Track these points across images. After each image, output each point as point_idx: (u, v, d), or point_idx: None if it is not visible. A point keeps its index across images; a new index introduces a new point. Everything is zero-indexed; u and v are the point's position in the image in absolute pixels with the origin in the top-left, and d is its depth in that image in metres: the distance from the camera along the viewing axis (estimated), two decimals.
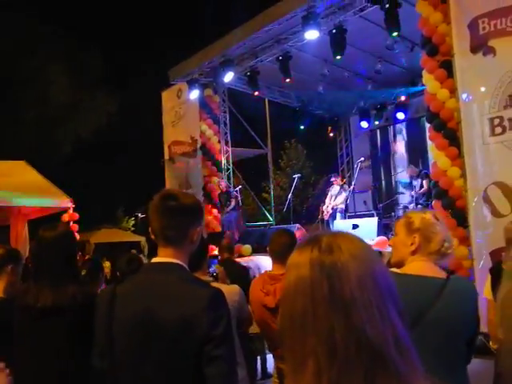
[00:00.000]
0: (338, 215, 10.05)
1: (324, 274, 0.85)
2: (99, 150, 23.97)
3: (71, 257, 2.40)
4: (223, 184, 10.80)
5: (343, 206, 10.22)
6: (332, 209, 10.19)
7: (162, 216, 1.70)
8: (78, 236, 10.21)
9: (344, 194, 10.25)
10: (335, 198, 10.33)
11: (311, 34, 7.99)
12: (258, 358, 5.32)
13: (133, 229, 28.58)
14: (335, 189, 10.46)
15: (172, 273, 1.65)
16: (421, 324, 1.57)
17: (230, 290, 2.70)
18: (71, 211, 10.45)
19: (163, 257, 1.69)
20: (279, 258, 2.89)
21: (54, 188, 10.45)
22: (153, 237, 1.74)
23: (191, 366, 1.51)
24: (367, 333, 0.80)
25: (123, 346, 1.61)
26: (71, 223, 10.33)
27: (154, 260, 1.72)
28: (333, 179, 10.66)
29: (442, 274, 1.78)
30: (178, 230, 1.69)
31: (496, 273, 3.12)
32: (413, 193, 9.45)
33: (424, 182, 9.16)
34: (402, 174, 11.29)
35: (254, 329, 3.06)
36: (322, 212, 10.57)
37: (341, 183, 10.57)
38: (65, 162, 21.30)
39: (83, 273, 3.39)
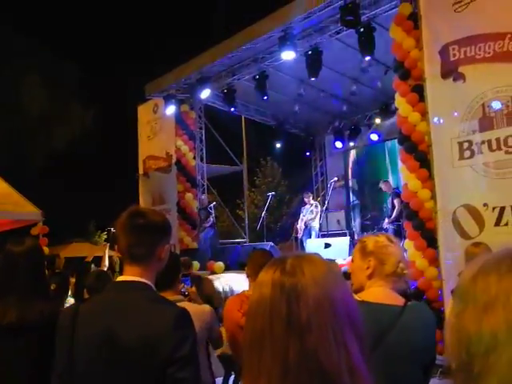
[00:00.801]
0: (313, 233, 10.12)
1: (284, 295, 0.86)
2: (72, 163, 23.66)
3: (39, 272, 2.34)
4: (204, 199, 10.82)
5: (317, 225, 10.31)
6: (305, 225, 10.27)
7: (129, 234, 1.68)
8: (47, 250, 10.02)
9: (315, 212, 10.34)
10: (305, 215, 10.46)
11: (287, 55, 8.11)
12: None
13: (104, 243, 28.18)
14: (306, 207, 10.59)
15: (137, 292, 1.62)
16: (376, 352, 1.55)
17: (201, 310, 2.68)
18: (41, 224, 10.24)
19: (129, 275, 1.67)
20: (256, 277, 2.87)
21: (23, 200, 10.24)
22: (119, 255, 1.72)
23: None
24: (320, 358, 0.81)
25: (84, 368, 1.56)
26: (41, 236, 10.12)
27: (120, 278, 1.70)
28: (305, 198, 10.78)
29: (399, 301, 1.76)
30: (144, 248, 1.67)
31: None
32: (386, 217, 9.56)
33: (395, 201, 9.21)
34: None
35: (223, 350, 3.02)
36: (296, 230, 10.63)
37: (311, 202, 10.69)
38: (36, 175, 20.94)
39: (52, 287, 3.31)
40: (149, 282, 1.67)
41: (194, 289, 3.04)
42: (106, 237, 30.37)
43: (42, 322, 2.12)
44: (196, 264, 8.79)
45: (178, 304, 2.40)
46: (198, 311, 2.58)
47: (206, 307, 2.83)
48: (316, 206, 10.59)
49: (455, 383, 0.72)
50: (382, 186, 9.97)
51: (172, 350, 1.46)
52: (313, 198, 11.21)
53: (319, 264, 0.90)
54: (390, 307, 1.72)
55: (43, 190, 17.99)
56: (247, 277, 3.02)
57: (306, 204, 10.80)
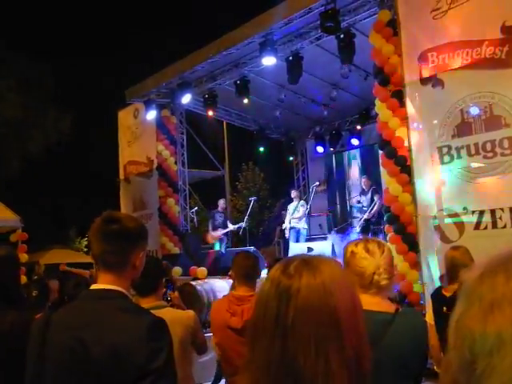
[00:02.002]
0: (302, 237, 10.22)
1: (277, 293, 0.89)
2: (51, 168, 23.34)
3: (12, 281, 2.29)
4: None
5: (306, 226, 10.40)
6: (291, 227, 10.32)
7: (102, 240, 1.63)
8: (27, 257, 9.86)
9: (301, 211, 10.43)
10: (291, 213, 10.55)
11: (268, 60, 8.13)
12: None
13: (85, 249, 27.82)
14: (293, 204, 10.72)
15: (110, 301, 1.57)
16: None
17: (185, 316, 2.66)
18: (20, 231, 10.09)
19: (102, 283, 1.62)
20: (244, 279, 2.90)
21: (2, 207, 10.08)
22: (93, 261, 1.69)
23: None
24: (297, 363, 0.83)
25: (53, 380, 1.51)
26: (20, 243, 9.96)
27: (93, 286, 1.64)
28: (292, 195, 10.95)
29: (390, 308, 1.76)
30: (118, 255, 1.62)
31: (437, 298, 3.21)
32: (362, 211, 9.75)
33: (375, 197, 9.49)
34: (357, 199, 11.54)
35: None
36: (279, 234, 10.68)
37: (298, 199, 10.82)
38: (13, 180, 20.58)
39: (34, 294, 3.26)
40: (123, 290, 1.61)
41: (176, 294, 3.02)
42: (86, 243, 30.06)
43: (12, 333, 2.07)
44: (178, 270, 8.74)
45: (161, 310, 2.39)
46: (182, 317, 2.56)
47: (190, 312, 2.82)
48: (303, 205, 10.66)
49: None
50: (363, 181, 10.23)
51: (145, 362, 1.40)
52: (300, 197, 11.29)
53: (320, 272, 0.90)
54: (380, 314, 1.72)
55: (22, 197, 17.73)
56: (232, 279, 3.04)
57: (292, 201, 10.89)
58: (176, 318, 2.52)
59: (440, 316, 2.29)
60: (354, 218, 10.78)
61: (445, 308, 2.34)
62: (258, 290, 0.96)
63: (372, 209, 9.53)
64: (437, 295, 3.17)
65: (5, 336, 2.07)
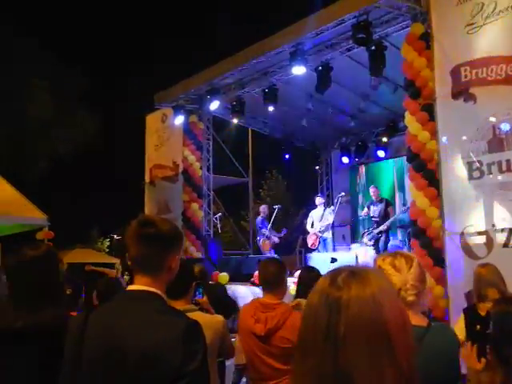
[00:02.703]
0: (329, 242, 10.18)
1: (327, 306, 0.89)
2: (77, 168, 23.73)
3: (53, 277, 2.32)
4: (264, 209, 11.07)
5: (330, 235, 10.37)
6: (319, 235, 10.25)
7: (139, 243, 1.66)
8: None
9: (329, 219, 10.34)
10: (321, 219, 10.44)
11: (298, 70, 8.16)
12: None
13: (107, 250, 28.17)
14: (317, 211, 10.61)
15: (146, 302, 1.60)
16: None
17: (214, 320, 2.69)
18: (47, 229, 10.26)
19: (139, 285, 1.65)
20: (270, 286, 2.90)
21: (30, 205, 10.27)
22: (130, 263, 1.71)
23: None
24: (352, 374, 0.83)
25: (90, 379, 1.54)
26: (46, 241, 10.12)
27: (130, 288, 1.68)
28: (316, 201, 10.87)
29: (423, 322, 1.75)
30: (154, 258, 1.66)
31: (471, 315, 3.17)
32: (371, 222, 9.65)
33: (389, 209, 9.53)
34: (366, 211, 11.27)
35: (244, 359, 3.02)
36: (301, 243, 10.63)
37: (323, 206, 10.72)
38: (40, 179, 20.98)
39: (68, 292, 3.32)
40: (159, 292, 1.64)
41: (205, 298, 3.04)
42: (108, 243, 30.44)
43: (54, 327, 2.11)
44: (225, 276, 8.75)
45: (191, 314, 2.42)
46: (211, 321, 2.59)
47: (219, 317, 2.84)
48: (331, 213, 10.56)
49: None
50: (372, 191, 10.08)
51: (180, 364, 1.42)
52: (325, 204, 11.20)
53: (369, 283, 0.90)
54: (413, 328, 1.71)
55: (47, 196, 18.06)
56: (254, 285, 3.05)
57: (315, 207, 10.81)
58: (205, 322, 2.53)
59: (472, 333, 2.27)
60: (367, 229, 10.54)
61: (478, 326, 2.31)
62: (306, 302, 0.96)
63: (382, 221, 9.50)
64: (471, 312, 3.14)
65: (46, 330, 2.10)
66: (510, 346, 1.85)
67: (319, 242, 10.39)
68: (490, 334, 2.11)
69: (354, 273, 0.93)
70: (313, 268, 3.91)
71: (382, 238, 9.47)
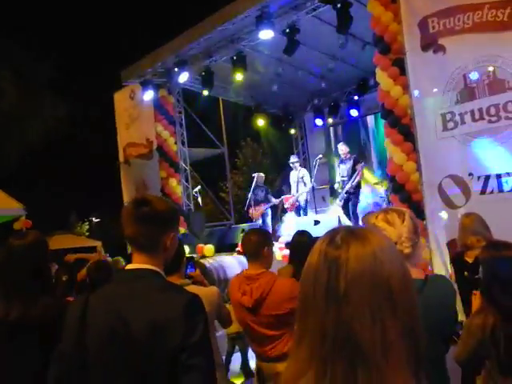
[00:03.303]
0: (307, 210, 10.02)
1: (326, 264, 0.90)
2: (50, 155, 23.24)
3: (43, 266, 2.29)
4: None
5: (305, 197, 10.15)
6: (297, 201, 10.12)
7: (134, 223, 1.67)
8: None
9: (307, 182, 10.06)
10: (302, 183, 10.16)
11: (265, 34, 8.04)
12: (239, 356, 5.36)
13: (87, 234, 27.94)
14: (295, 174, 10.33)
15: (146, 280, 1.63)
16: None
17: (209, 292, 2.70)
18: (24, 218, 10.11)
19: (137, 263, 1.66)
20: (252, 256, 2.92)
21: (4, 195, 10.08)
22: (127, 242, 1.72)
23: (166, 376, 1.47)
24: (354, 331, 0.85)
25: (96, 358, 1.56)
26: (24, 230, 9.98)
27: (128, 267, 1.69)
28: (293, 159, 10.51)
29: (420, 275, 1.79)
30: (150, 238, 1.67)
31: (458, 263, 3.26)
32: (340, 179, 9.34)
33: (357, 166, 9.03)
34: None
35: (235, 328, 3.07)
36: (282, 205, 10.57)
37: (298, 168, 10.39)
38: (13, 169, 20.51)
39: (64, 278, 3.29)
40: (157, 269, 1.66)
41: (198, 271, 3.05)
42: (87, 227, 30.16)
43: (46, 318, 2.10)
44: (211, 248, 8.71)
45: (185, 288, 2.43)
46: (206, 293, 2.60)
47: (213, 288, 2.87)
48: (306, 175, 10.24)
49: None
50: (342, 148, 9.56)
51: (183, 337, 1.46)
52: (300, 164, 10.85)
53: (369, 241, 0.91)
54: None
55: (20, 184, 17.70)
56: (244, 256, 3.06)
57: (291, 169, 10.50)
58: (200, 294, 2.55)
59: (462, 280, 2.33)
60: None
61: (466, 273, 2.38)
62: (304, 266, 0.96)
63: (354, 180, 9.05)
64: (458, 260, 3.22)
65: (38, 322, 2.09)
66: (501, 289, 1.91)
67: (297, 206, 10.30)
68: (479, 279, 2.17)
69: (353, 232, 0.94)
70: (303, 232, 3.93)
71: (352, 198, 9.14)
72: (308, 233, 3.91)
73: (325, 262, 0.90)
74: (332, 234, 0.95)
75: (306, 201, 10.26)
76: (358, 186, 9.19)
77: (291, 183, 10.54)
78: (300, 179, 10.21)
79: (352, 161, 9.25)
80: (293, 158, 10.70)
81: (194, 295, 1.60)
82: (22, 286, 2.16)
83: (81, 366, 1.57)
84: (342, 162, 9.63)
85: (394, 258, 0.93)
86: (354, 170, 9.09)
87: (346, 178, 9.23)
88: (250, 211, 10.27)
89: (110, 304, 1.59)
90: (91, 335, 1.57)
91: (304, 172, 10.49)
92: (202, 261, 7.24)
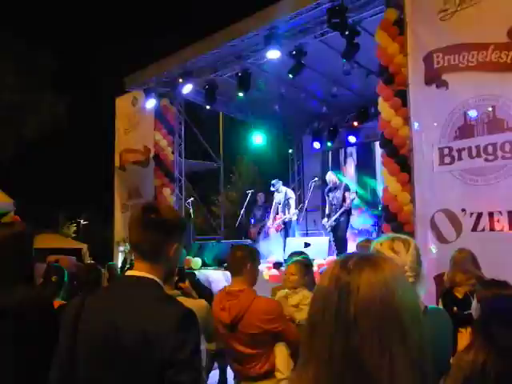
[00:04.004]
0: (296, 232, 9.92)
1: (336, 289, 0.90)
2: (44, 152, 23.13)
3: (26, 257, 2.27)
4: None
5: (295, 218, 10.00)
6: (283, 223, 10.01)
7: (138, 229, 1.66)
8: None
9: (292, 204, 9.93)
10: (283, 207, 10.01)
11: (272, 54, 8.13)
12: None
13: (74, 235, 27.69)
14: (288, 193, 10.17)
15: (144, 288, 1.60)
16: None
17: (198, 305, 2.68)
18: (12, 214, 10.03)
19: (138, 270, 1.64)
20: (236, 272, 2.92)
21: None
22: (130, 249, 1.71)
23: None
24: (362, 357, 0.84)
25: (84, 362, 1.54)
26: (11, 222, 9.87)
27: (129, 273, 1.68)
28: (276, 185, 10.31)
29: (421, 305, 1.80)
30: (154, 246, 1.65)
31: (448, 298, 3.26)
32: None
33: (346, 194, 8.96)
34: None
35: (216, 345, 3.05)
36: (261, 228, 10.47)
37: (282, 189, 10.19)
38: (5, 163, 20.37)
39: (54, 279, 3.25)
40: (157, 279, 1.64)
41: (187, 283, 3.03)
42: (75, 229, 29.90)
43: (22, 308, 2.06)
44: (198, 261, 8.68)
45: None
46: (196, 306, 2.58)
47: (202, 301, 2.85)
48: (291, 198, 10.05)
49: None
50: (332, 177, 9.44)
51: (173, 352, 1.43)
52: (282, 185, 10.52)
53: (381, 269, 0.91)
54: None
55: (14, 180, 17.57)
56: (229, 272, 3.05)
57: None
58: (189, 307, 2.54)
59: (450, 316, 2.33)
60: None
61: (455, 308, 2.37)
62: (315, 288, 0.96)
63: (344, 207, 8.92)
64: (448, 295, 3.23)
65: (14, 311, 2.04)
66: (501, 326, 1.91)
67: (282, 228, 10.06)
68: (469, 315, 2.17)
69: (366, 258, 0.94)
70: (301, 253, 3.95)
71: (341, 226, 9.00)
72: (306, 254, 3.92)
73: (336, 286, 0.90)
74: (345, 258, 0.95)
75: (297, 221, 10.20)
76: (348, 213, 9.13)
77: (274, 204, 10.36)
78: (286, 201, 10.08)
79: (342, 189, 9.15)
80: (275, 182, 10.44)
81: (189, 309, 1.57)
82: (3, 274, 2.14)
83: (71, 370, 1.55)
84: (330, 190, 9.45)
85: (406, 287, 0.92)
86: (344, 197, 9.04)
87: (336, 205, 9.13)
88: (251, 231, 10.29)
89: (106, 310, 1.57)
90: (81, 341, 1.55)
91: (291, 194, 10.28)
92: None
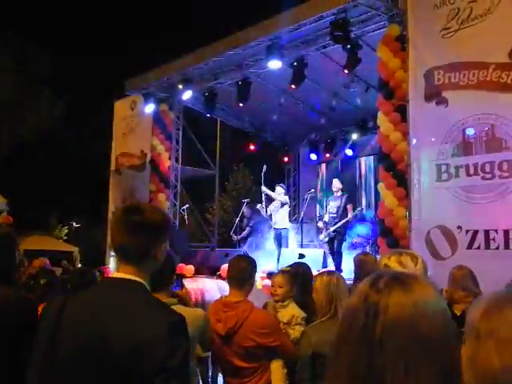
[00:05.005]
0: (292, 235, 9.76)
1: (364, 308, 0.88)
2: (40, 153, 23.02)
3: (7, 260, 2.24)
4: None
5: (287, 226, 9.75)
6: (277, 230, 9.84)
7: (123, 231, 1.58)
8: None
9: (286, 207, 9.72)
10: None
11: (274, 64, 8.15)
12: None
13: (65, 238, 27.49)
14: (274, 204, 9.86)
15: (130, 292, 1.53)
16: None
17: (194, 314, 2.64)
18: (5, 214, 9.97)
19: (123, 273, 1.56)
20: (236, 283, 2.87)
21: None
22: (113, 251, 1.65)
23: None
24: (386, 379, 0.82)
25: (65, 367, 1.46)
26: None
27: (114, 275, 1.60)
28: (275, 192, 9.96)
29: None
30: (140, 248, 1.57)
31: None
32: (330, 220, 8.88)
33: (348, 206, 8.74)
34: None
35: (199, 353, 3.00)
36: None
37: (281, 194, 9.84)
38: (0, 163, 20.25)
39: (42, 282, 3.21)
40: (144, 282, 1.57)
41: (184, 291, 2.99)
42: (66, 231, 29.70)
43: (6, 308, 2.04)
44: (190, 268, 8.57)
45: (172, 307, 2.37)
46: (192, 315, 2.54)
47: (200, 311, 2.80)
48: (286, 203, 9.79)
49: None
50: (337, 184, 9.11)
51: (162, 359, 1.37)
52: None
53: (412, 290, 0.89)
54: None
55: (8, 180, 17.47)
56: (228, 282, 3.02)
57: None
58: (186, 316, 2.49)
59: None
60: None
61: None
62: (346, 304, 0.95)
63: (344, 219, 8.65)
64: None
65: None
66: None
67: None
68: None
69: (397, 278, 0.92)
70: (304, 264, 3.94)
71: (338, 238, 8.75)
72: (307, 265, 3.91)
73: (364, 304, 0.89)
74: (376, 276, 0.93)
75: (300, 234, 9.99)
76: (345, 226, 8.94)
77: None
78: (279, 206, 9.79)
79: (343, 200, 8.88)
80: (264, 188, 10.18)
81: (181, 315, 1.51)
82: None
83: (50, 376, 1.47)
84: (332, 198, 9.22)
85: (437, 310, 0.89)
86: (344, 208, 8.82)
87: (335, 215, 8.86)
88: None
89: (91, 312, 1.48)
90: (65, 342, 1.47)
91: (285, 198, 9.90)
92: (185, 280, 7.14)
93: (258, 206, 10.22)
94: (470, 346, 0.82)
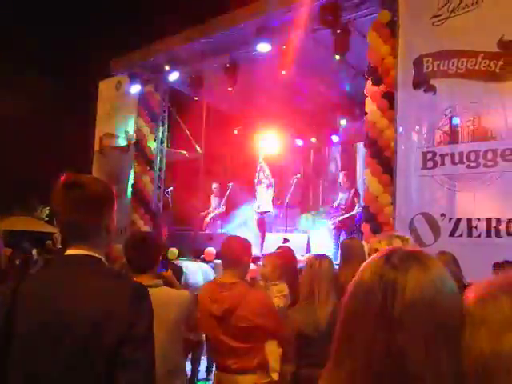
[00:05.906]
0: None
1: (381, 286, 0.85)
2: (21, 133, 22.64)
3: None
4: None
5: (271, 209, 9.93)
6: (261, 214, 9.92)
7: (69, 208, 1.49)
8: None
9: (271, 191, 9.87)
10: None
11: (263, 47, 8.07)
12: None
13: (47, 219, 27.20)
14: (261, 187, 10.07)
15: (87, 266, 1.48)
16: None
17: (181, 295, 2.62)
18: None
19: (77, 249, 1.50)
20: (231, 264, 2.85)
21: None
22: (60, 229, 1.55)
23: (104, 373, 1.33)
24: (406, 359, 0.80)
25: (23, 343, 1.39)
26: None
27: (67, 253, 1.52)
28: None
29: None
30: (86, 222, 1.50)
31: None
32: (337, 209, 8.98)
33: (356, 199, 8.78)
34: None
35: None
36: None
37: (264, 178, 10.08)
38: None
39: (17, 262, 3.15)
40: (99, 256, 1.52)
41: (170, 272, 2.97)
42: (47, 212, 29.38)
43: None
44: (175, 251, 8.54)
45: (156, 289, 2.35)
46: (178, 296, 2.54)
47: (185, 292, 2.78)
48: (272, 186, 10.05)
49: None
50: (341, 176, 9.25)
51: (127, 329, 1.34)
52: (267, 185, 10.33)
53: (429, 268, 0.87)
54: None
55: None
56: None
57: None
58: (172, 297, 2.48)
59: None
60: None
61: None
62: (354, 281, 0.91)
63: (353, 211, 8.69)
64: None
65: None
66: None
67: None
68: None
69: (412, 254, 0.90)
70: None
71: (344, 229, 8.75)
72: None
73: (380, 282, 0.85)
74: (388, 252, 0.90)
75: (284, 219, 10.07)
76: (353, 218, 8.81)
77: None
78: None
79: (352, 193, 8.90)
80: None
81: (140, 284, 1.48)
82: None
83: (5, 351, 1.40)
84: (340, 190, 9.30)
85: (454, 290, 0.89)
86: (353, 201, 8.80)
87: (344, 207, 8.89)
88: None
89: (47, 294, 1.42)
90: (21, 329, 1.40)
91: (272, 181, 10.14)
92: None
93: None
94: (465, 333, 0.82)
